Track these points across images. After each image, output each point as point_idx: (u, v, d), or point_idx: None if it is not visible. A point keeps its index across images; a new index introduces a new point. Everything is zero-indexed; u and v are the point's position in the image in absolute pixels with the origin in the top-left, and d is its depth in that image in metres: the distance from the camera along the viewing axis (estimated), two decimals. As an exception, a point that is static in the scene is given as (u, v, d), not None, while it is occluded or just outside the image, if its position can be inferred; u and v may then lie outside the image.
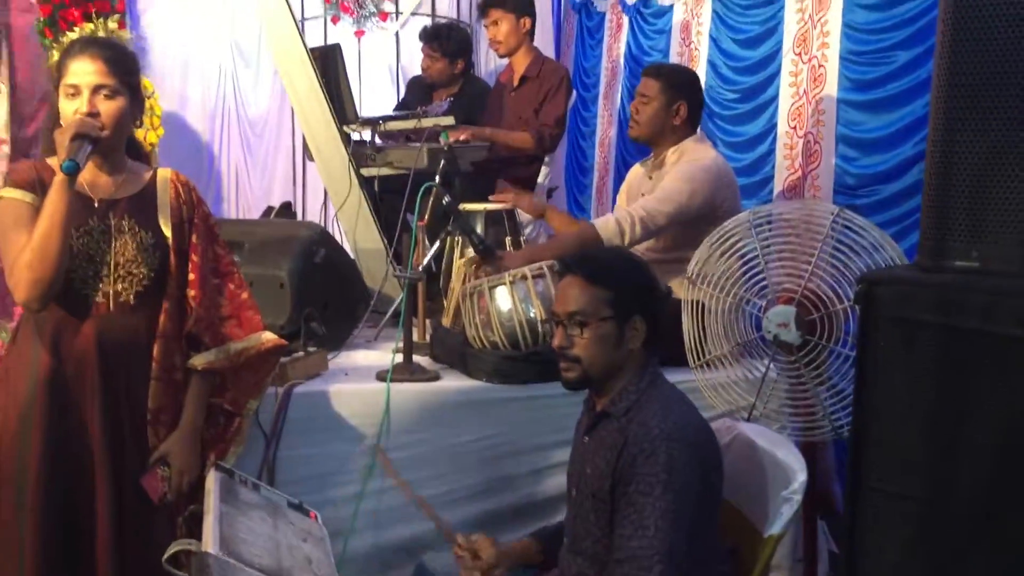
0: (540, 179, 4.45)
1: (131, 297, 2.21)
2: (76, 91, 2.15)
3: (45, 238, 2.07)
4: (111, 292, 2.20)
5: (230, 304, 2.32)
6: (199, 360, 2.29)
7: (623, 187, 3.58)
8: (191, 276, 2.28)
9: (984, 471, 1.79)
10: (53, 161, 2.15)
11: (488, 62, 5.60)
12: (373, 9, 5.44)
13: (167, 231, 2.25)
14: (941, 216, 1.83)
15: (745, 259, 2.59)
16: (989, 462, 1.78)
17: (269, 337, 2.38)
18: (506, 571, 2.21)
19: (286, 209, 4.48)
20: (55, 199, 2.08)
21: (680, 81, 3.34)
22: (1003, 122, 1.77)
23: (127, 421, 2.22)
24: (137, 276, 2.21)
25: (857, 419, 1.98)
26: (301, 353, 2.94)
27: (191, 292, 2.27)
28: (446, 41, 4.65)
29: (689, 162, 3.21)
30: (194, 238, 2.29)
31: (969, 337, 1.78)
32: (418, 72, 4.98)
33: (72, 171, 2.05)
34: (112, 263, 2.19)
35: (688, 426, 2.02)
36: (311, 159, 4.35)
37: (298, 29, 3.78)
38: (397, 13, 5.53)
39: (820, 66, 3.71)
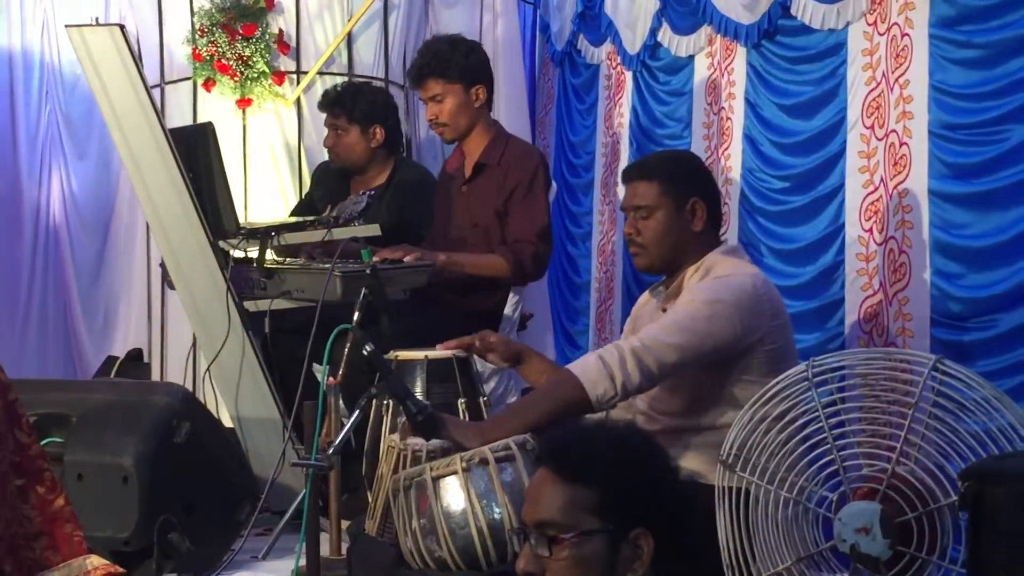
0: (507, 308, 4.47)
1: None
2: None
3: None
4: None
5: (40, 516, 2.31)
6: None
7: (628, 324, 3.59)
8: None
9: None
10: None
11: (426, 128, 5.70)
12: (264, 68, 5.54)
13: None
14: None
15: (804, 431, 2.59)
16: None
17: (98, 563, 2.35)
18: None
19: (135, 361, 4.47)
20: None
21: (683, 172, 3.39)
22: None
23: None
24: None
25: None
26: (153, 583, 2.91)
27: None
28: (349, 103, 4.74)
29: (714, 280, 3.24)
30: None
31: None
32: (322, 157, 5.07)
33: None
34: None
35: None
36: (172, 287, 4.36)
37: (152, 102, 3.84)
38: (298, 74, 5.64)
39: (902, 144, 3.80)
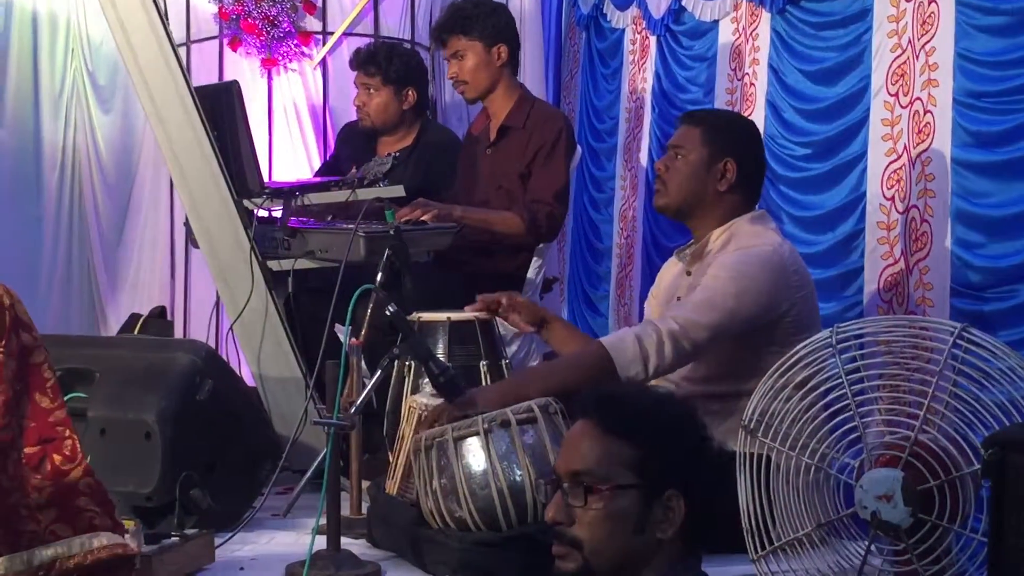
0: (530, 272, 4.45)
1: None
2: None
3: None
4: None
5: (52, 486, 2.21)
6: None
7: (653, 289, 3.57)
8: None
9: None
10: None
11: (454, 93, 5.67)
12: (290, 28, 5.51)
13: None
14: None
15: (827, 398, 2.56)
16: None
17: (105, 542, 2.25)
18: None
19: (159, 319, 4.45)
20: None
21: (730, 130, 3.37)
22: None
23: None
24: None
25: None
26: (176, 538, 2.88)
27: None
28: (384, 62, 4.70)
29: (739, 250, 3.22)
30: None
31: None
32: (354, 118, 5.03)
33: None
34: None
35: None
36: (196, 245, 4.34)
37: (178, 60, 3.82)
38: (324, 35, 5.61)
39: (926, 111, 3.76)
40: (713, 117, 3.48)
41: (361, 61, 4.76)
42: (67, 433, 2.25)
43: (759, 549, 2.62)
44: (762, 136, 4.48)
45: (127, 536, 2.33)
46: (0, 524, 2.16)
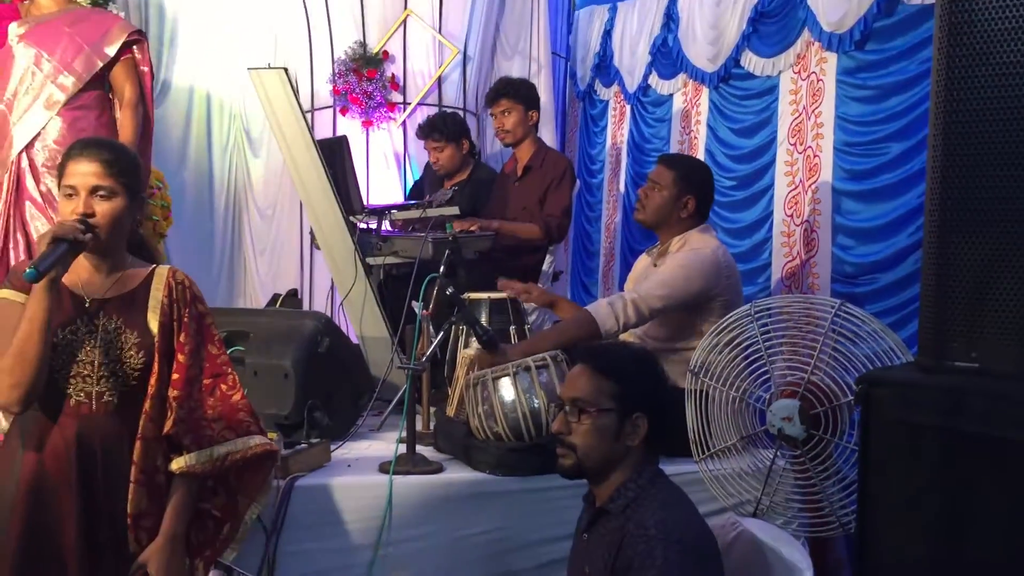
0: (544, 266, 4.43)
1: (115, 397, 2.13)
2: (74, 191, 2.10)
3: (24, 342, 2.00)
4: (93, 392, 2.11)
5: (221, 405, 2.21)
6: (177, 463, 2.17)
7: (630, 275, 3.55)
8: (174, 376, 2.17)
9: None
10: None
11: (493, 144, 5.65)
12: (381, 101, 5.50)
13: (154, 330, 2.17)
14: (940, 317, 1.79)
15: (747, 351, 2.54)
16: (992, 567, 1.71)
17: (259, 442, 2.24)
18: None
19: (292, 297, 4.45)
20: (33, 303, 2.01)
21: (693, 176, 3.30)
22: (1001, 223, 1.75)
23: (105, 526, 2.10)
24: (120, 376, 2.13)
25: (861, 521, 1.92)
26: (304, 444, 2.88)
27: (172, 393, 2.16)
28: (442, 127, 4.66)
29: (690, 251, 3.19)
30: (182, 337, 2.19)
31: (969, 440, 1.73)
32: (425, 158, 5.00)
33: (32, 279, 1.96)
34: (96, 363, 2.11)
35: (687, 529, 1.96)
36: (317, 247, 4.34)
37: (305, 122, 3.81)
38: (405, 104, 5.59)
39: (815, 156, 3.72)
40: (683, 164, 3.33)
41: (426, 132, 4.68)
42: (229, 371, 2.25)
43: (700, 454, 2.61)
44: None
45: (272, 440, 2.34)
46: (190, 430, 2.18)
